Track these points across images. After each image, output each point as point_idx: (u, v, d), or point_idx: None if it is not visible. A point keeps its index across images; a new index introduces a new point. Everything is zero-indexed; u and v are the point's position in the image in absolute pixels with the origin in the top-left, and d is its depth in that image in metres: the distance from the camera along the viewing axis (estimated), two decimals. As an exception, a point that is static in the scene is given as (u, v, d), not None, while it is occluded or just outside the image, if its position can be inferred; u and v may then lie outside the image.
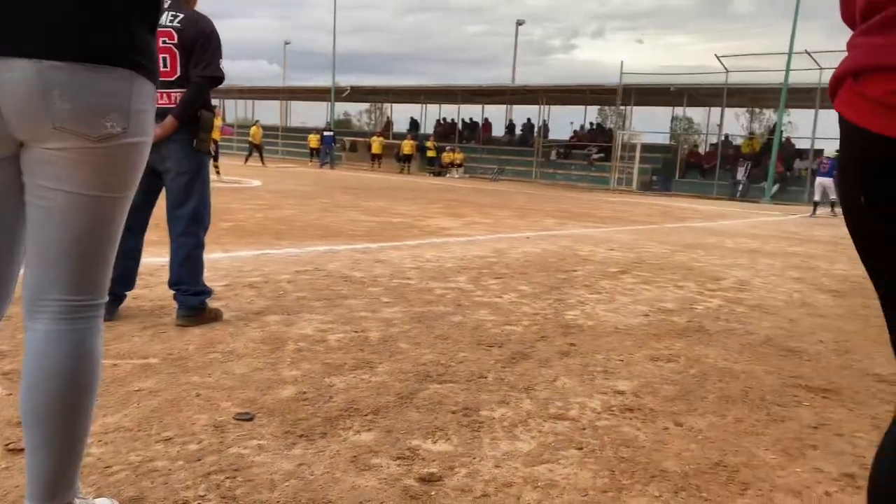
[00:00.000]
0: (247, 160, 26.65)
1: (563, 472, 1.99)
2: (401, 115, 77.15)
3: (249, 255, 5.51)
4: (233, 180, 15.88)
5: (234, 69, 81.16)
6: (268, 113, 53.05)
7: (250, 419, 2.24)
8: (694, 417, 2.50)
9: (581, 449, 2.15)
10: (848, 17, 1.11)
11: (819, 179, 17.43)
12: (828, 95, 1.08)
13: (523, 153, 33.00)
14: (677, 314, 4.26)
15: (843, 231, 10.31)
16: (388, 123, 40.84)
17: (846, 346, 3.73)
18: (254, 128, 27.53)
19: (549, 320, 3.86)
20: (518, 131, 35.50)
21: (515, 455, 2.08)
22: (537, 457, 2.08)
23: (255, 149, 26.59)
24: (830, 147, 25.80)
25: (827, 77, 20.43)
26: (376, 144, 33.16)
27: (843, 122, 1.03)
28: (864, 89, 0.97)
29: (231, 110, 46.07)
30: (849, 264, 7.41)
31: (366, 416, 2.32)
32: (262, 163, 26.00)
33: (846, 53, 1.04)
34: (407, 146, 32.16)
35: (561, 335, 3.55)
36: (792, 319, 4.34)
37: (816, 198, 17.32)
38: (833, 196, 17.25)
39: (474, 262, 5.78)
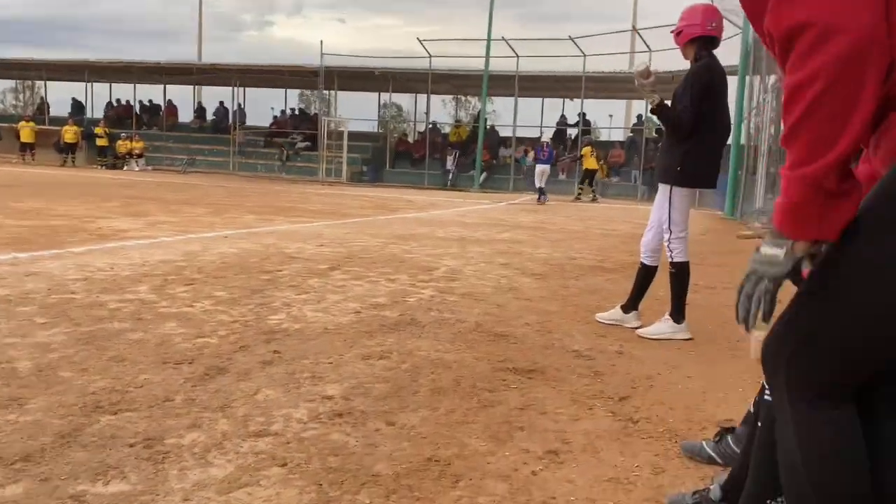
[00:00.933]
0: None
1: (264, 494, 1.94)
2: (60, 95, 69.43)
3: None
4: None
5: None
6: None
7: None
8: (406, 414, 2.61)
9: (285, 465, 2.13)
10: None
11: (539, 167, 19.38)
12: None
13: (218, 141, 31.88)
14: (389, 308, 4.44)
15: (544, 216, 11.71)
16: (43, 105, 36.56)
17: (548, 327, 4.21)
18: None
19: (249, 327, 3.77)
20: (210, 116, 34.23)
21: (208, 484, 1.99)
22: (234, 481, 2.00)
23: None
24: (529, 134, 29.05)
25: (524, 65, 22.46)
26: (26, 131, 29.45)
27: None
28: None
29: None
30: (550, 248, 8.40)
31: (12, 464, 2.03)
32: None
33: None
34: (69, 133, 29.13)
35: (264, 343, 3.48)
36: (500, 305, 4.78)
37: (539, 183, 19.13)
38: (543, 184, 19.28)
39: (159, 268, 5.43)
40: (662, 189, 4.19)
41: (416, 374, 3.12)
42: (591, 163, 21.28)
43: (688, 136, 4.01)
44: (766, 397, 1.72)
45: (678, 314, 4.14)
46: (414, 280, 5.56)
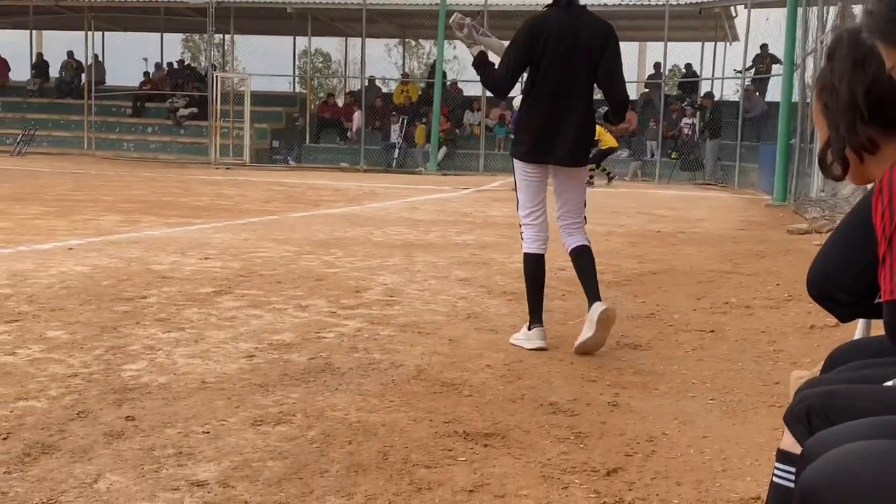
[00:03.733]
0: None
1: None
2: None
3: None
4: None
5: None
6: None
7: None
8: (308, 505, 2.62)
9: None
10: None
11: None
12: None
13: (66, 108, 31.56)
14: (297, 349, 4.45)
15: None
16: None
17: (518, 370, 4.24)
18: None
19: (94, 383, 3.74)
20: (55, 73, 33.91)
21: None
22: None
23: None
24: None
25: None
26: None
27: None
28: None
29: None
30: (529, 254, 8.45)
31: None
32: None
33: None
34: None
35: (113, 406, 3.46)
36: (452, 340, 4.81)
37: None
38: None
39: (-29, 297, 5.37)
40: None
41: (327, 444, 3.12)
42: (608, 139, 21.23)
43: (525, 102, 4.75)
44: (776, 475, 1.75)
45: (530, 318, 4.74)
46: (335, 307, 5.56)
